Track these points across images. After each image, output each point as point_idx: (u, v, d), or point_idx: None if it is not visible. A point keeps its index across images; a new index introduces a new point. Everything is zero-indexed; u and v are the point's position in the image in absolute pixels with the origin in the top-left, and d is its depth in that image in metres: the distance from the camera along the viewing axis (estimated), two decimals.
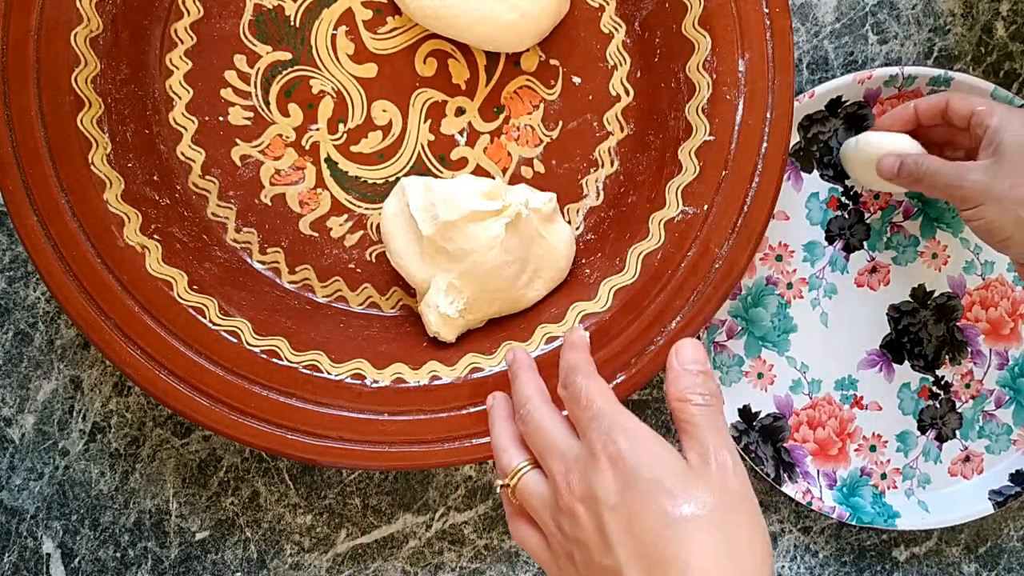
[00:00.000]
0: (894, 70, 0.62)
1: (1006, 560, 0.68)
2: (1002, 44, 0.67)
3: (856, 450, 0.66)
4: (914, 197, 0.66)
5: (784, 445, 0.66)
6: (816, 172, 0.65)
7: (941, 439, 0.67)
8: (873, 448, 0.67)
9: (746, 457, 0.64)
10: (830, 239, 0.66)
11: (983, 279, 0.67)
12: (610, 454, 0.41)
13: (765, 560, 0.39)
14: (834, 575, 0.67)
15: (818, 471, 0.66)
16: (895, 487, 0.66)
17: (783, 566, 0.67)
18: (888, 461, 0.67)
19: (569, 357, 0.47)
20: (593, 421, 0.42)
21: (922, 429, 0.67)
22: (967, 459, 0.67)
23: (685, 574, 0.37)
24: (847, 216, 0.65)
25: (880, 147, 0.61)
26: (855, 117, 0.64)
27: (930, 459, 0.67)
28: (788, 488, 0.64)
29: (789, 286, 0.66)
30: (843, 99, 0.64)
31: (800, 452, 0.66)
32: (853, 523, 0.65)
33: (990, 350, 0.67)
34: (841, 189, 0.65)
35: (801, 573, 0.67)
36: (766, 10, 0.57)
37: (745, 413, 0.65)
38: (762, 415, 0.66)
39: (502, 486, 0.46)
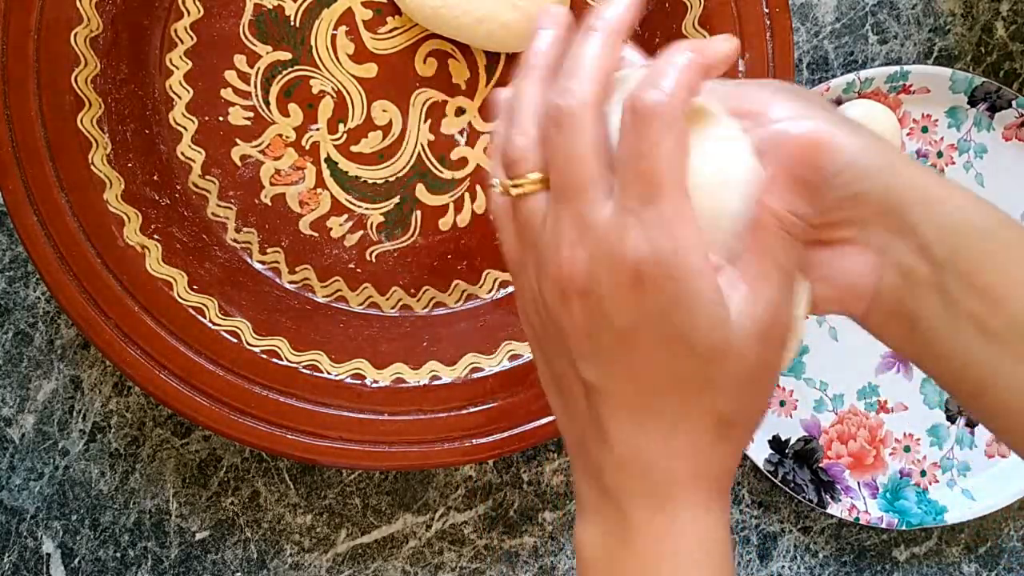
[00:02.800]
0: (850, 77, 0.62)
1: (1006, 560, 0.68)
2: (1002, 44, 0.67)
3: (891, 454, 0.66)
4: None
5: (820, 466, 0.66)
6: None
7: (972, 424, 0.67)
8: (908, 448, 0.67)
9: (785, 487, 0.64)
10: None
11: None
12: (639, 269, 0.31)
13: (745, 438, 0.36)
14: (834, 575, 0.67)
15: (859, 483, 0.66)
16: (937, 481, 0.66)
17: (783, 566, 0.67)
18: (925, 457, 0.67)
19: (678, 56, 0.32)
20: (645, 202, 0.30)
21: (951, 419, 0.67)
22: None
23: (675, 440, 0.33)
24: None
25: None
26: None
27: (965, 446, 0.67)
28: (833, 509, 0.64)
29: None
30: None
31: (837, 469, 0.66)
32: (903, 528, 0.65)
33: None
34: None
35: (801, 573, 0.67)
36: (766, 10, 0.57)
37: (776, 443, 0.65)
38: (792, 441, 0.66)
39: (507, 188, 0.34)
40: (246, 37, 0.60)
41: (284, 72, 0.61)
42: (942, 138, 0.66)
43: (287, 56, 0.61)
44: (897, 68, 0.63)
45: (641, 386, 0.32)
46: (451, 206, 0.61)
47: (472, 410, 0.57)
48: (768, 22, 0.57)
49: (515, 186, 0.34)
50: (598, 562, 0.34)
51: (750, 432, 0.36)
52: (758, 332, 0.32)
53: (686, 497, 0.33)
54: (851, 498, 0.65)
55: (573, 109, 0.31)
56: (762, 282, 0.32)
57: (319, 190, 0.61)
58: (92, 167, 0.57)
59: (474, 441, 0.57)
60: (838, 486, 0.66)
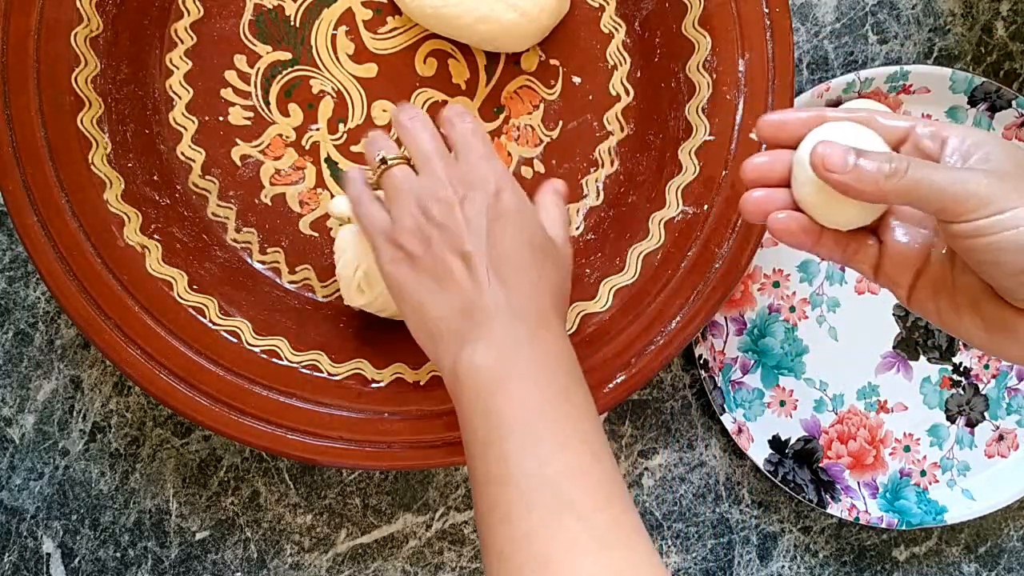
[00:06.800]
0: (850, 77, 0.62)
1: (1006, 560, 0.68)
2: (1002, 44, 0.67)
3: (891, 454, 0.66)
4: None
5: (820, 465, 0.66)
6: None
7: (971, 424, 0.67)
8: (907, 448, 0.67)
9: (785, 487, 0.64)
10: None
11: None
12: (498, 187, 0.49)
13: (567, 305, 0.53)
14: (834, 575, 0.67)
15: (858, 483, 0.66)
16: (936, 481, 0.66)
17: (783, 566, 0.67)
18: (924, 457, 0.67)
19: (456, 107, 0.53)
20: (483, 159, 0.50)
21: (951, 419, 0.67)
22: (1001, 438, 0.67)
23: (537, 283, 0.48)
24: None
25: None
26: None
27: (965, 446, 0.67)
28: (833, 509, 0.64)
29: (792, 309, 0.66)
30: None
31: (837, 469, 0.66)
32: (903, 528, 0.65)
33: None
34: None
35: (801, 573, 0.67)
36: (766, 10, 0.57)
37: (776, 443, 0.65)
38: (792, 441, 0.66)
39: (375, 164, 0.51)
40: (246, 37, 0.61)
41: (284, 72, 0.61)
42: None
43: (287, 56, 0.61)
44: (897, 68, 0.63)
45: (510, 250, 0.48)
46: None
47: None
48: (768, 22, 0.57)
49: (392, 159, 0.51)
50: (495, 369, 0.46)
51: (568, 292, 0.53)
52: (561, 236, 0.53)
53: (554, 319, 0.49)
54: (851, 498, 0.65)
55: (418, 115, 0.51)
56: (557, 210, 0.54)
57: (319, 190, 0.61)
58: (92, 167, 0.57)
59: None
60: (838, 486, 0.66)
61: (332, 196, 0.61)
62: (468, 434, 0.46)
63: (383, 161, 0.51)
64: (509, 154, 0.62)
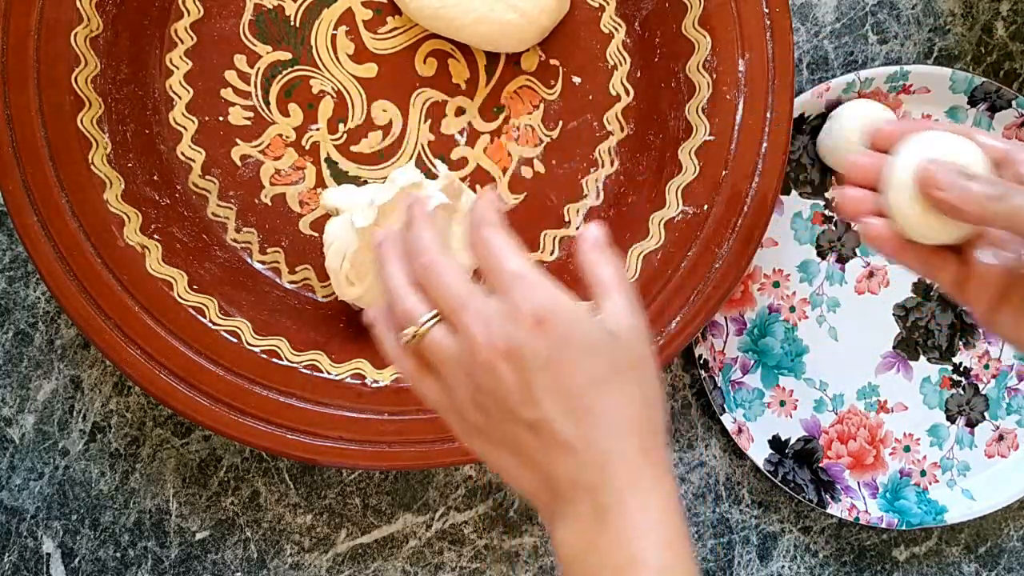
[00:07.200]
0: (850, 77, 0.62)
1: (1006, 560, 0.68)
2: (1002, 44, 0.67)
3: (891, 454, 0.66)
4: None
5: (820, 465, 0.66)
6: (794, 192, 0.65)
7: (971, 424, 0.67)
8: (907, 448, 0.67)
9: (785, 487, 0.64)
10: (822, 254, 0.66)
11: None
12: (537, 315, 0.41)
13: (662, 407, 0.44)
14: (834, 575, 0.67)
15: (858, 483, 0.66)
16: (936, 481, 0.67)
17: (783, 566, 0.67)
18: (924, 457, 0.67)
19: (480, 210, 0.44)
20: (514, 279, 0.42)
21: (951, 419, 0.67)
22: (1001, 438, 0.67)
23: (614, 424, 0.41)
24: (834, 228, 0.65)
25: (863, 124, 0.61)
26: (819, 129, 0.64)
27: (965, 446, 0.67)
28: (833, 508, 0.64)
29: (792, 309, 0.66)
30: (806, 115, 0.64)
31: (837, 468, 0.66)
32: (903, 528, 0.65)
33: None
34: (823, 203, 0.65)
35: (801, 573, 0.67)
36: (766, 10, 0.57)
37: (775, 443, 0.65)
38: (792, 441, 0.66)
39: (406, 340, 0.44)
40: (246, 37, 0.61)
41: (284, 72, 0.61)
42: None
43: (287, 56, 0.61)
44: (897, 68, 0.63)
45: (574, 395, 0.41)
46: None
47: None
48: (768, 22, 0.57)
49: (420, 328, 0.43)
50: (580, 552, 0.41)
51: (659, 394, 0.44)
52: (628, 324, 0.43)
53: (644, 472, 0.42)
54: (851, 498, 0.65)
55: (433, 259, 0.44)
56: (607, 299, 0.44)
57: (319, 190, 0.61)
58: (92, 167, 0.57)
59: None
60: (838, 486, 0.66)
61: None
62: None
63: (414, 336, 0.44)
64: (509, 154, 0.62)
